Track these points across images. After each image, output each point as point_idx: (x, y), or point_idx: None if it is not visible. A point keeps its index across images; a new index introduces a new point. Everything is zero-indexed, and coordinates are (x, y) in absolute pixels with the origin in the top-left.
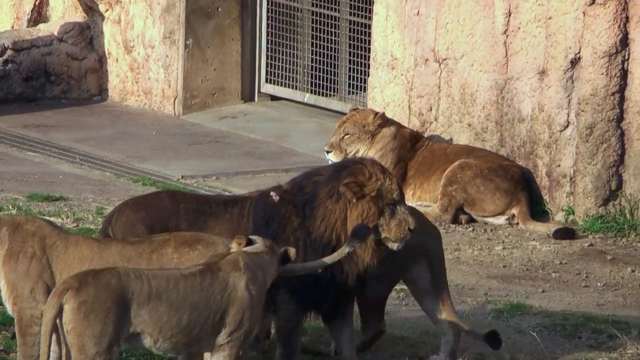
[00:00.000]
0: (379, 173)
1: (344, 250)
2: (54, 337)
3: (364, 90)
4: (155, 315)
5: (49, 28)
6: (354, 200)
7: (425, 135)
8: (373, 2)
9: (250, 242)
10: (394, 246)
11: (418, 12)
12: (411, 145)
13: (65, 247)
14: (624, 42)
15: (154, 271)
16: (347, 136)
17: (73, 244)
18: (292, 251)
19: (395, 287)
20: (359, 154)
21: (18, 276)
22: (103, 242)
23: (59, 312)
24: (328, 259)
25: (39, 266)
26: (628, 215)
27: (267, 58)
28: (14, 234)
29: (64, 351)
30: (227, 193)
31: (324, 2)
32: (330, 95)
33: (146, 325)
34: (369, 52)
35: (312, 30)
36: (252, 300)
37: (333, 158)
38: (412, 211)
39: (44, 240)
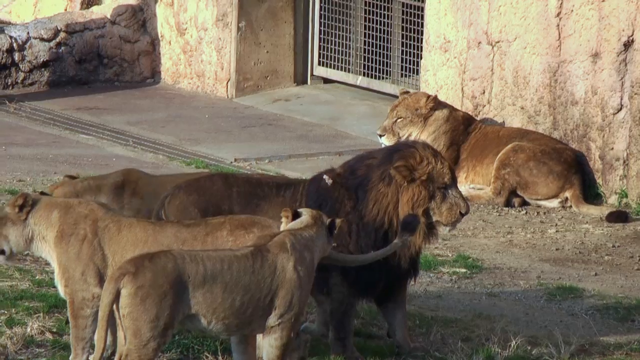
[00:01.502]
0: (430, 157)
1: (396, 244)
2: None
3: (417, 73)
4: (209, 297)
5: (102, 11)
6: (405, 183)
7: (478, 118)
8: None
9: (297, 215)
10: (446, 230)
11: None
12: (464, 129)
13: (118, 229)
14: None
15: (208, 252)
16: (399, 120)
17: (126, 226)
18: (338, 221)
19: (448, 270)
20: (412, 138)
21: (69, 258)
22: (158, 225)
23: (116, 297)
24: (380, 253)
25: (90, 248)
26: None
27: (319, 41)
28: (66, 215)
29: (120, 334)
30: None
31: None
32: (383, 78)
33: (201, 307)
34: (422, 34)
35: (365, 13)
36: (300, 282)
37: (386, 142)
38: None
39: (96, 222)
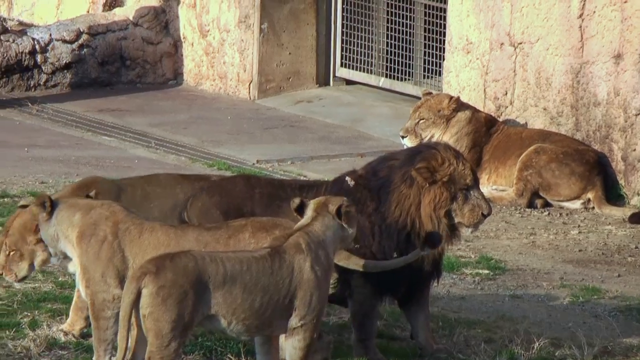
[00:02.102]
0: (452, 158)
1: (417, 253)
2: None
3: (439, 75)
4: (229, 298)
5: (125, 12)
6: (427, 185)
7: (501, 120)
8: None
9: (303, 206)
10: (468, 231)
11: None
12: (486, 130)
13: (139, 232)
14: None
15: (228, 254)
16: (422, 121)
17: (148, 230)
18: (343, 207)
19: (471, 272)
20: (434, 139)
21: (89, 259)
22: (179, 229)
23: (138, 297)
24: (402, 260)
25: (110, 250)
26: None
27: (342, 42)
28: (87, 216)
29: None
30: (302, 177)
31: None
32: (405, 79)
33: (220, 307)
34: (444, 36)
35: (388, 14)
36: (318, 281)
37: (408, 143)
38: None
39: (117, 225)
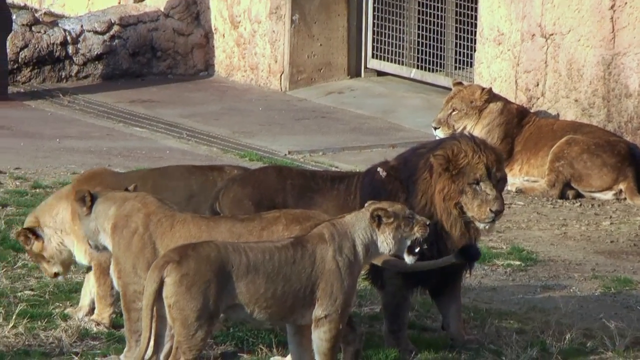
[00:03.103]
0: (469, 151)
1: (449, 259)
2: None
3: (471, 66)
4: (252, 287)
5: (156, 3)
6: (440, 173)
7: (532, 111)
8: None
9: None
10: (480, 226)
11: None
12: (518, 121)
13: (171, 225)
14: None
15: (250, 244)
16: (454, 112)
17: (180, 222)
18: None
19: (502, 263)
20: (466, 130)
21: (120, 250)
22: (212, 220)
23: (160, 286)
24: (431, 264)
25: (140, 242)
26: None
27: (373, 33)
28: (120, 208)
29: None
30: (333, 168)
31: None
32: (436, 70)
33: (244, 297)
34: (476, 27)
35: (419, 5)
36: (340, 272)
37: (441, 134)
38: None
39: (148, 216)
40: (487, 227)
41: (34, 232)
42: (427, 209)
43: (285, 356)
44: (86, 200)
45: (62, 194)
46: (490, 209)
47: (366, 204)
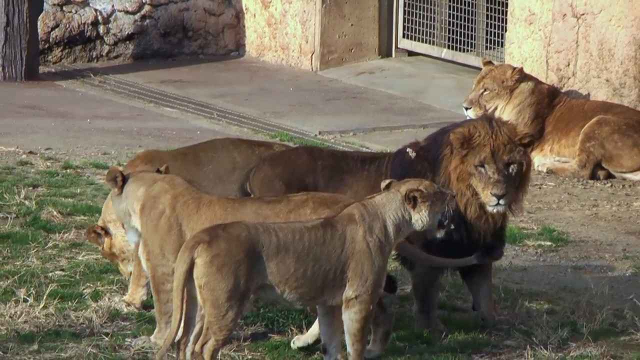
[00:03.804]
0: (483, 133)
1: (470, 260)
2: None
3: (502, 46)
4: (282, 267)
5: None
6: (455, 150)
7: (563, 91)
8: None
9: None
10: (489, 210)
11: None
12: (549, 101)
13: (197, 206)
14: None
15: (280, 224)
16: (486, 92)
17: (206, 204)
18: (414, 192)
19: (533, 243)
20: (498, 110)
21: (148, 232)
22: (238, 202)
23: (191, 267)
24: (453, 262)
25: (167, 223)
26: None
27: (404, 13)
28: (149, 189)
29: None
30: (364, 149)
31: None
32: (467, 50)
33: (274, 277)
34: (507, 7)
35: None
36: (371, 252)
37: (472, 114)
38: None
39: (175, 198)
40: (494, 210)
41: (102, 229)
42: (446, 187)
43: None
44: (117, 180)
45: None
46: (490, 192)
47: (393, 185)
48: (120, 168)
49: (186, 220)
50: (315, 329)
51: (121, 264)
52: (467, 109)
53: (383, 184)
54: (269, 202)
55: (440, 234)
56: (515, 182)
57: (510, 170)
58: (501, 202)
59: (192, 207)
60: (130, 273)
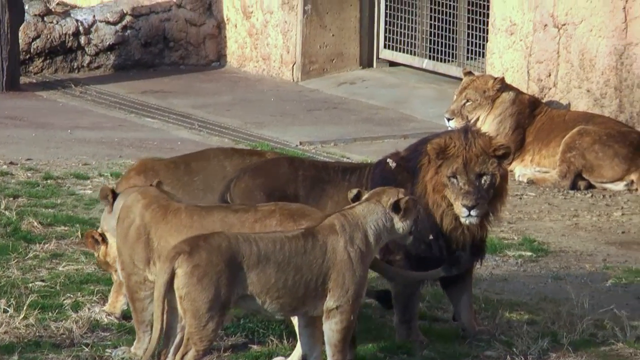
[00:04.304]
0: (458, 145)
1: (438, 272)
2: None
3: (483, 56)
4: (263, 277)
5: None
6: (430, 160)
7: (544, 101)
8: None
9: (358, 196)
10: (462, 221)
11: None
12: (530, 112)
13: (164, 214)
14: None
15: (260, 234)
16: (468, 103)
17: (173, 211)
18: (402, 201)
19: (514, 254)
20: (480, 120)
21: (120, 241)
22: (205, 209)
23: (172, 277)
24: (422, 275)
25: (136, 232)
26: None
27: (385, 24)
28: (124, 199)
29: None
30: (345, 159)
31: None
32: (448, 61)
33: (255, 287)
34: (488, 17)
35: None
36: (351, 263)
37: (454, 125)
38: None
39: (145, 207)
40: (466, 221)
41: (101, 235)
42: (423, 197)
43: (287, 356)
44: (109, 198)
45: None
46: (460, 203)
47: (371, 195)
48: (112, 186)
49: (154, 228)
50: (299, 349)
51: (114, 274)
52: (449, 119)
53: (350, 194)
54: (236, 211)
55: (409, 241)
56: (488, 193)
57: (483, 181)
58: (472, 213)
59: (159, 215)
60: None
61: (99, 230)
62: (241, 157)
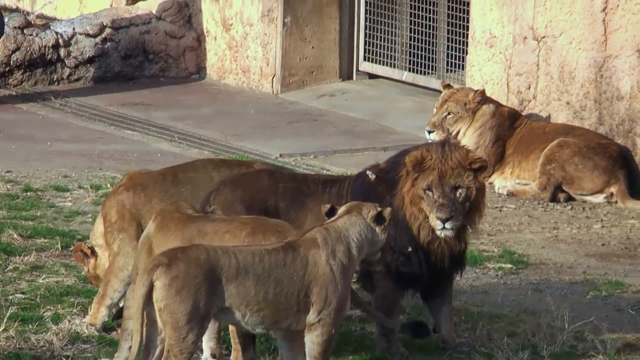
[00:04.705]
0: (434, 157)
1: (395, 323)
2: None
3: (463, 69)
4: (242, 290)
5: (148, 6)
6: (408, 172)
7: (524, 114)
8: None
9: (332, 211)
10: (438, 234)
11: None
12: (510, 124)
13: (161, 224)
14: None
15: (239, 247)
16: (450, 115)
17: (170, 221)
18: (386, 212)
19: (494, 266)
20: (460, 133)
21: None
22: (190, 219)
23: (150, 289)
24: (385, 319)
25: (141, 241)
26: None
27: (365, 36)
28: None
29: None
30: (325, 171)
31: None
32: (428, 73)
33: (234, 299)
34: (468, 30)
35: (411, 8)
36: (334, 276)
37: (435, 137)
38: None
39: (153, 218)
40: (441, 234)
41: (90, 248)
42: (401, 209)
43: None
44: None
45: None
46: (435, 216)
47: (347, 208)
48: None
49: (154, 238)
50: None
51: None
52: (430, 132)
53: (324, 209)
54: (214, 221)
55: (378, 256)
56: (463, 206)
57: (458, 194)
58: (447, 225)
59: (159, 225)
60: None
61: (88, 243)
62: (229, 168)
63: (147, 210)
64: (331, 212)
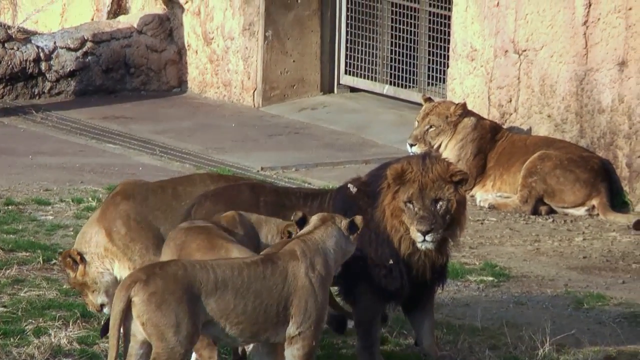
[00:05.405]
0: (415, 169)
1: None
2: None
3: (444, 82)
4: (222, 303)
5: (129, 20)
6: (389, 185)
7: (505, 127)
8: None
9: (304, 221)
10: (419, 246)
11: (498, 3)
12: (491, 137)
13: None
14: None
15: (218, 261)
16: (432, 129)
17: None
18: (358, 219)
19: (475, 279)
20: (442, 146)
21: None
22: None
23: (127, 305)
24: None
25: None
26: None
27: (346, 50)
28: None
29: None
30: (306, 185)
31: None
32: (409, 86)
33: (215, 313)
34: (449, 43)
35: (392, 22)
36: (314, 288)
37: (417, 151)
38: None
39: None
40: (422, 246)
41: (79, 254)
42: (382, 222)
43: None
44: None
45: (93, 219)
46: (415, 228)
47: (321, 219)
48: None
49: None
50: None
51: (91, 294)
52: (412, 145)
53: (295, 217)
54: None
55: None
56: (444, 219)
57: (438, 207)
58: (427, 238)
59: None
60: (101, 305)
61: (76, 250)
62: (227, 182)
63: (153, 219)
64: (302, 221)
